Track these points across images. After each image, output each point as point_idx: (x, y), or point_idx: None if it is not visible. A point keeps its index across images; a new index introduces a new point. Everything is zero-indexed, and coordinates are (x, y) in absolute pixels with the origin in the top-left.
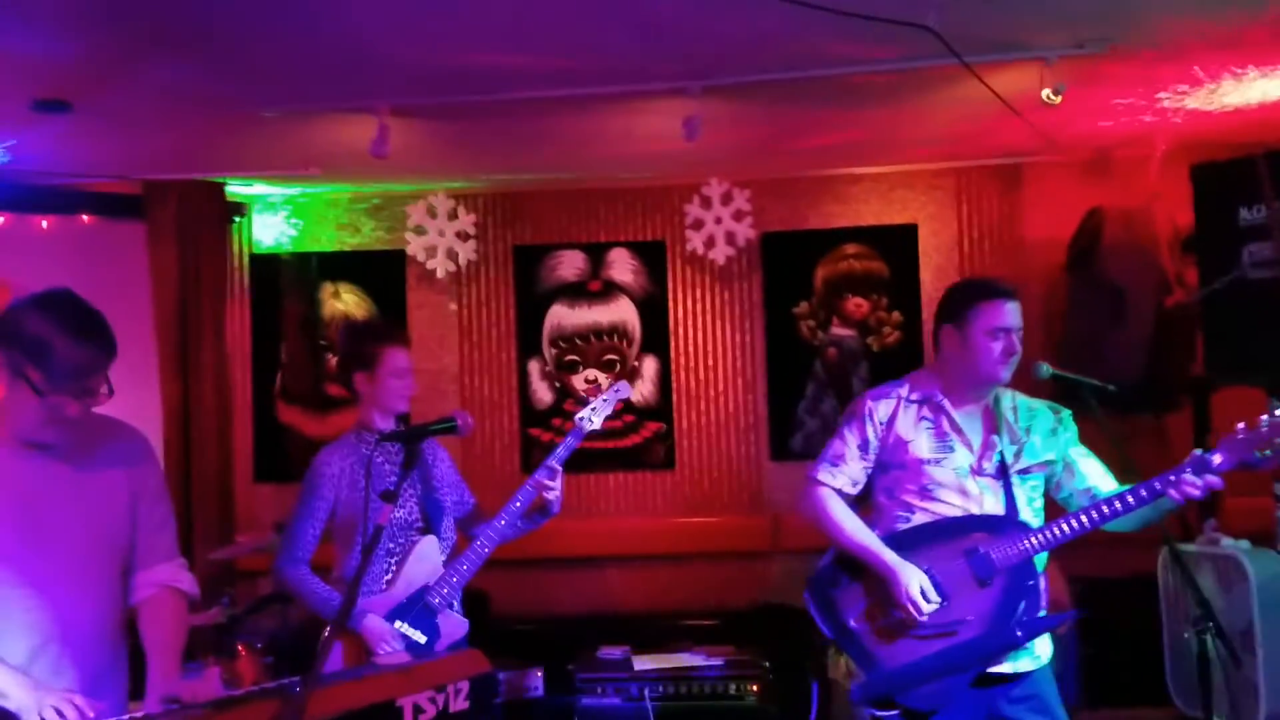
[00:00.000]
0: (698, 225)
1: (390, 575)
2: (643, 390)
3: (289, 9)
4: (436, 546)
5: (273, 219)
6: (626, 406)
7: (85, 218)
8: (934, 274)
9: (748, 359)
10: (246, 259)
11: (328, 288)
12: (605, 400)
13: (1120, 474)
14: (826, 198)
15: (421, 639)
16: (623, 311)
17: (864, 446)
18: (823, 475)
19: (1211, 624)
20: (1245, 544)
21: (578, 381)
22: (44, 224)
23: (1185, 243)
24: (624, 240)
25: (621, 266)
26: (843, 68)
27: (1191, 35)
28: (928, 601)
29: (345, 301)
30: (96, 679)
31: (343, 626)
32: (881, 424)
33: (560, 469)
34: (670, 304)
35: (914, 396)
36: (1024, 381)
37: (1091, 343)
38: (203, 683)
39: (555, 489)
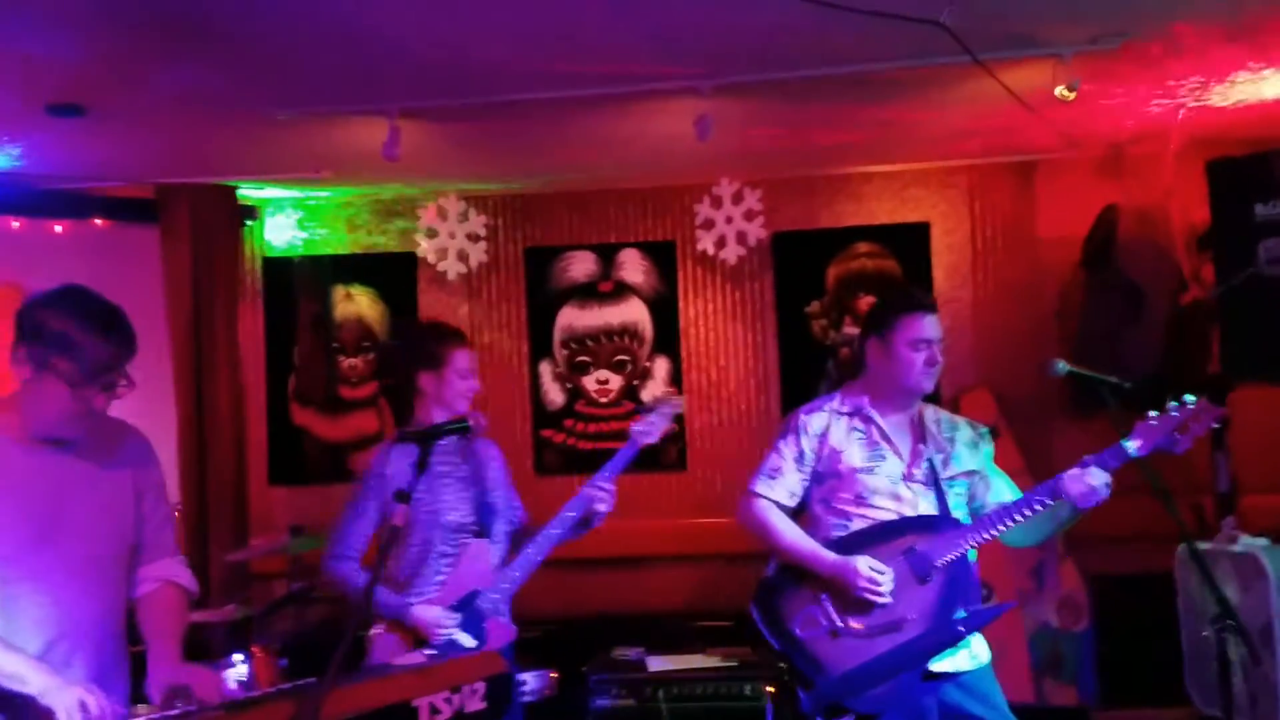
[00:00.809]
0: (708, 225)
1: (443, 577)
2: (654, 391)
3: (300, 13)
4: (489, 550)
5: (285, 222)
6: (637, 407)
7: (99, 222)
8: (947, 273)
9: (759, 359)
10: (259, 262)
11: (340, 290)
12: (661, 414)
13: (1136, 470)
14: (838, 196)
15: (470, 642)
16: (634, 312)
17: (800, 459)
18: (761, 488)
19: (1230, 622)
20: (1264, 541)
21: (589, 383)
22: (58, 228)
23: (1201, 239)
24: (635, 241)
25: (632, 267)
26: (855, 65)
27: (1206, 31)
28: (881, 574)
29: (357, 303)
30: (103, 674)
31: (366, 627)
32: (815, 436)
33: (613, 483)
34: (681, 304)
35: (844, 409)
36: (1040, 378)
37: (1107, 340)
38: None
39: (607, 501)
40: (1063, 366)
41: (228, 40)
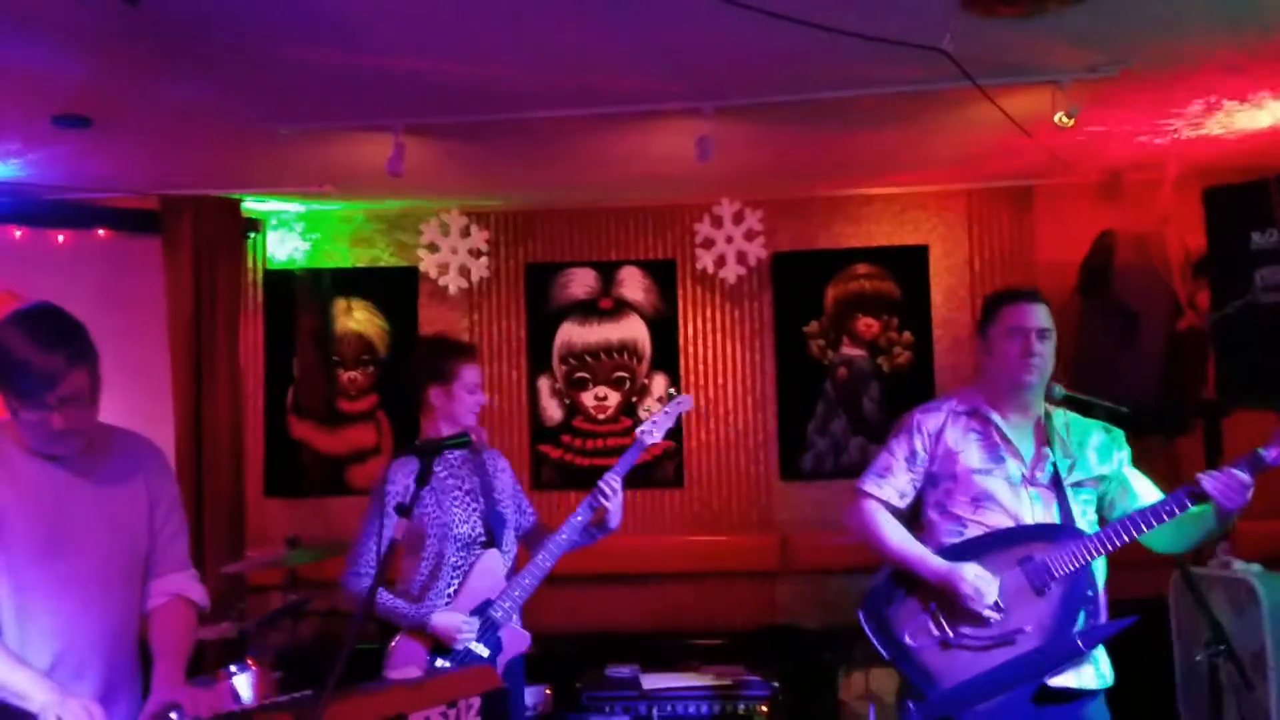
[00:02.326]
0: (709, 244)
1: (454, 589)
2: (652, 408)
3: (307, 28)
4: (499, 560)
5: (287, 235)
6: (635, 423)
7: (102, 232)
8: (945, 295)
9: (758, 378)
10: (261, 274)
11: (341, 303)
12: (667, 413)
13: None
14: (838, 218)
15: (485, 652)
16: (633, 329)
17: (911, 458)
18: (869, 486)
19: (1223, 647)
20: (1257, 567)
21: (587, 399)
22: (60, 238)
23: (1197, 266)
24: (635, 259)
25: (632, 285)
26: (856, 89)
27: (1204, 59)
28: (987, 583)
29: (358, 318)
30: (114, 686)
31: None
32: (930, 436)
33: (620, 483)
34: (680, 322)
35: (961, 409)
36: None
37: (1103, 365)
38: (211, 693)
39: (614, 502)
40: (1059, 391)
41: (233, 55)
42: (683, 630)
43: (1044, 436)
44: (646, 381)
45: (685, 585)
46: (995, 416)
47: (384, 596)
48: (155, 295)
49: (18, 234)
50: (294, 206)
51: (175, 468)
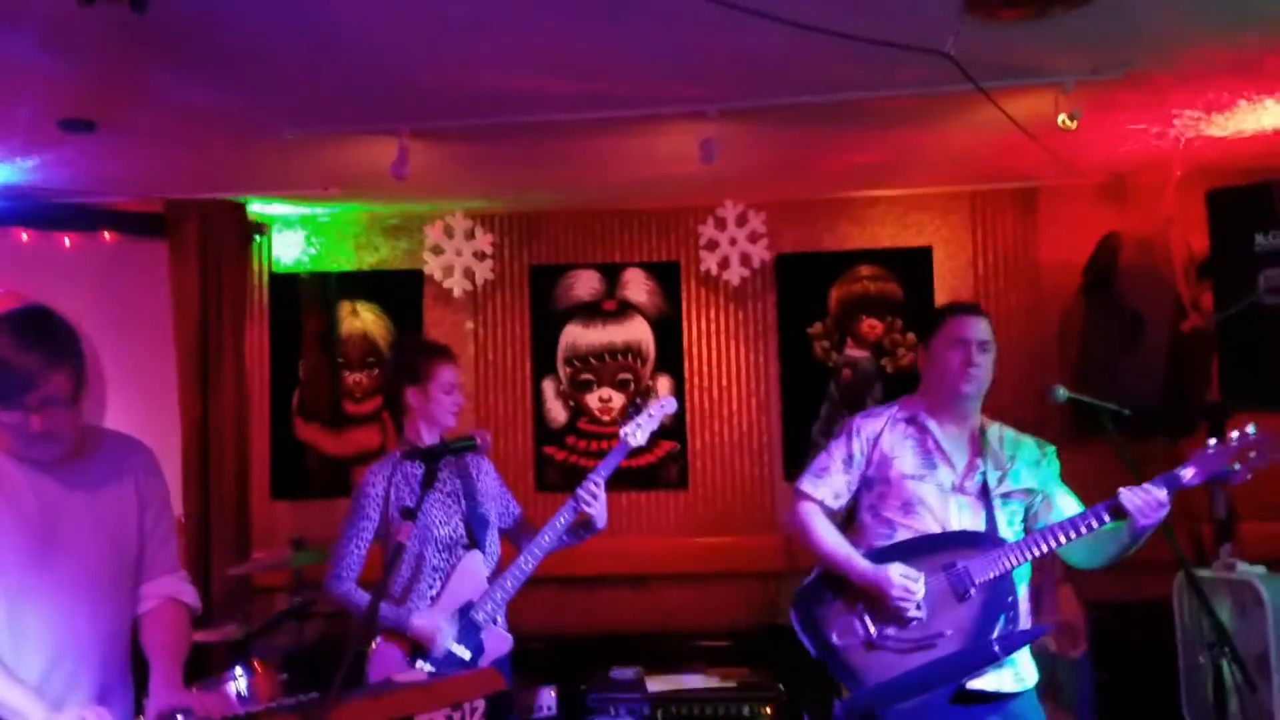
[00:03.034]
0: (712, 246)
1: (435, 591)
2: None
3: (312, 32)
4: (481, 562)
5: (293, 238)
6: (630, 405)
7: (107, 236)
8: (948, 296)
9: (761, 379)
10: (266, 277)
11: (346, 306)
12: (651, 415)
13: None
14: (841, 220)
15: (466, 655)
16: (637, 331)
17: (848, 460)
18: (806, 486)
19: (1227, 649)
20: (1261, 569)
21: (592, 400)
22: (67, 241)
23: (1201, 268)
24: (639, 261)
25: (636, 287)
26: (860, 92)
27: (1207, 62)
28: (913, 581)
29: (363, 320)
30: (107, 691)
31: (367, 642)
32: (868, 440)
33: (603, 484)
34: (685, 324)
35: (901, 415)
36: (1040, 405)
37: (1107, 367)
38: (214, 696)
39: (597, 504)
40: (1062, 393)
41: (238, 59)
42: (687, 631)
43: (978, 448)
44: (651, 383)
45: (689, 587)
46: (932, 424)
47: (363, 597)
48: (161, 298)
49: (24, 237)
50: (299, 210)
51: (181, 470)
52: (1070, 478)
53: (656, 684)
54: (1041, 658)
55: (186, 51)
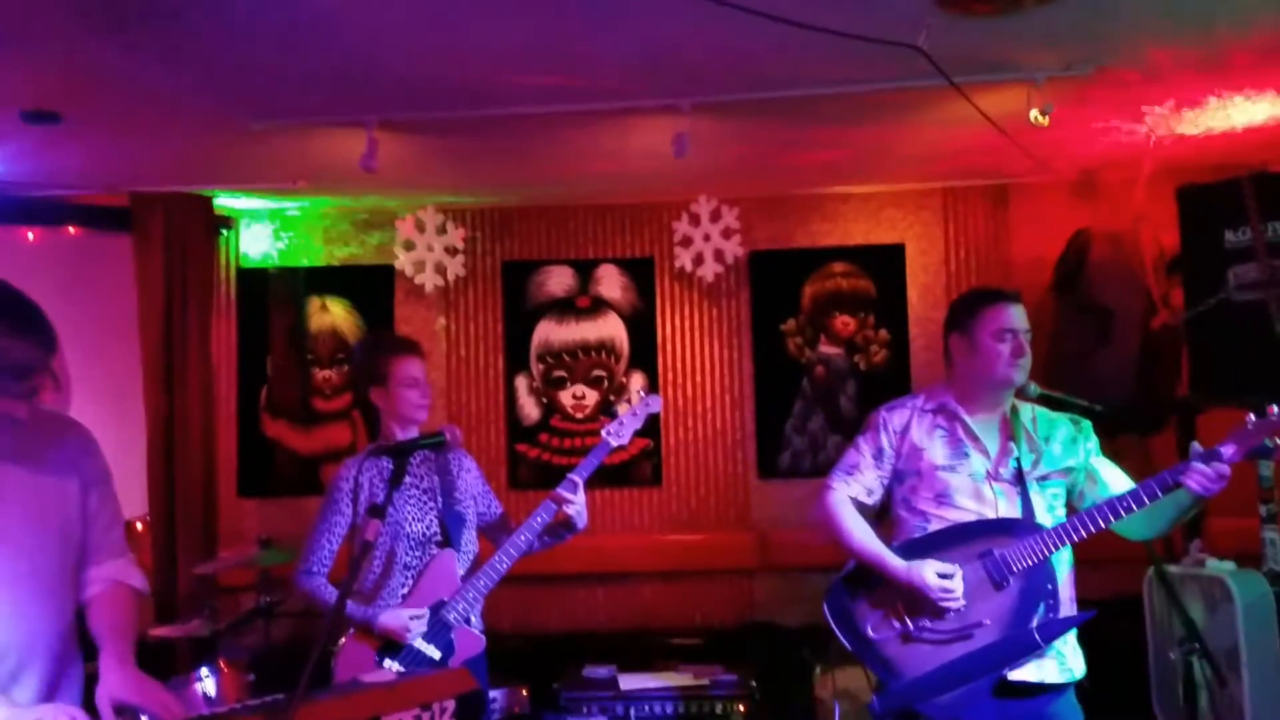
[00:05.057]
0: (686, 242)
1: (407, 589)
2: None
3: (279, 23)
4: (455, 561)
5: (261, 232)
6: (608, 407)
7: (72, 229)
8: (921, 293)
9: (735, 376)
10: (234, 272)
11: (315, 301)
12: (634, 414)
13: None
14: (815, 216)
15: (436, 654)
16: (611, 328)
17: (878, 455)
18: (837, 484)
19: (1197, 645)
20: (1231, 565)
21: (565, 397)
22: (30, 235)
23: (1171, 264)
24: (613, 257)
25: (610, 283)
26: (833, 87)
27: (1178, 58)
28: (949, 577)
29: (333, 315)
30: (55, 683)
31: (334, 641)
32: (896, 433)
33: (582, 484)
34: (658, 320)
35: (928, 406)
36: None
37: (1078, 363)
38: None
39: (577, 504)
40: (1034, 389)
41: (207, 51)
42: (661, 629)
43: (1009, 431)
44: (624, 380)
45: (663, 584)
46: (963, 413)
47: (331, 594)
48: (126, 293)
49: None
50: (267, 203)
51: (147, 468)
52: None
53: (630, 682)
54: None
55: (151, 42)
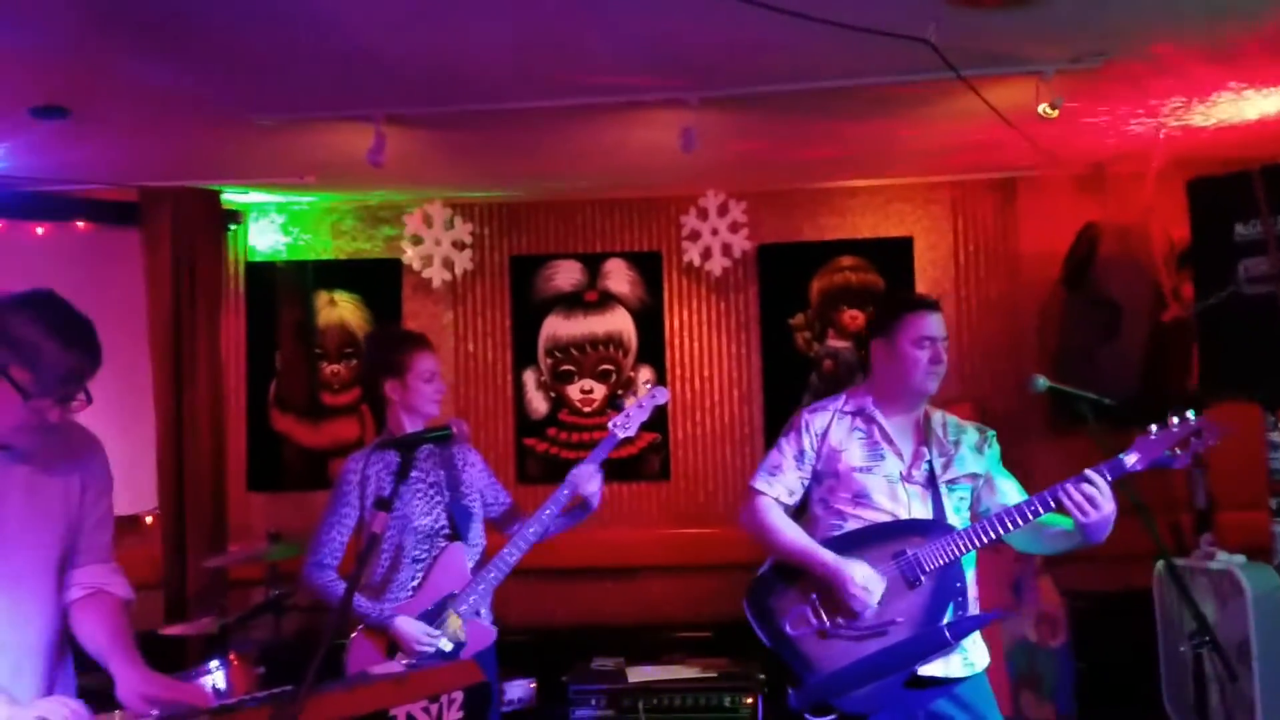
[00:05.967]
0: (694, 236)
1: (417, 582)
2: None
3: (286, 17)
4: (464, 553)
5: (269, 227)
6: (614, 399)
7: (80, 224)
8: (930, 287)
9: (743, 370)
10: (242, 266)
11: (323, 296)
12: (641, 406)
13: (1115, 489)
14: (822, 210)
15: (448, 647)
16: (619, 322)
17: (800, 457)
18: (761, 484)
19: (1208, 639)
20: (1241, 558)
21: (573, 392)
22: (39, 230)
23: (1181, 257)
24: (620, 251)
25: (618, 277)
26: (841, 80)
27: (1188, 51)
28: (873, 586)
29: (341, 310)
30: (51, 681)
31: (343, 635)
32: (817, 435)
33: (599, 470)
34: (666, 315)
35: (848, 408)
36: (1020, 393)
37: (1087, 356)
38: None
39: (594, 488)
40: (1043, 382)
41: (213, 45)
42: (669, 623)
43: (922, 436)
44: (632, 374)
45: (671, 578)
46: (880, 416)
47: (340, 588)
48: (135, 288)
49: None
50: (275, 198)
51: (156, 462)
52: (1050, 465)
53: (638, 675)
54: (1022, 648)
55: (160, 37)
